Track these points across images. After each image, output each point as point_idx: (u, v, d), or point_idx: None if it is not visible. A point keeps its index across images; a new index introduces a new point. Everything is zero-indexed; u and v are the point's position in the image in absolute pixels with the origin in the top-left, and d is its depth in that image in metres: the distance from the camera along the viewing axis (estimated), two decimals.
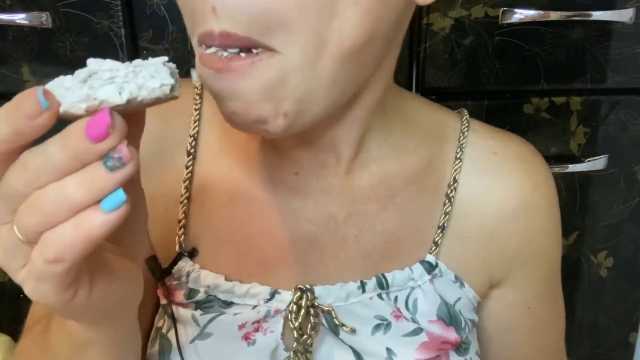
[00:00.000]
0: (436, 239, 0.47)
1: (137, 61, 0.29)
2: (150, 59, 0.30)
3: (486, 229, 0.48)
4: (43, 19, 0.60)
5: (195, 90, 0.49)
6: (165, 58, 0.30)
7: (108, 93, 0.28)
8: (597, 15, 0.62)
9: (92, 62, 0.29)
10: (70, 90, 0.28)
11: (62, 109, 0.28)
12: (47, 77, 0.63)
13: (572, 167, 0.68)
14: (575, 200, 0.72)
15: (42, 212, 0.27)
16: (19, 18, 0.60)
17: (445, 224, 0.47)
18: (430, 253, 0.47)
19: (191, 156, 0.47)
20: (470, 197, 0.48)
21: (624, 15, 0.63)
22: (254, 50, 0.33)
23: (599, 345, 0.80)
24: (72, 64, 0.63)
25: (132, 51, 0.63)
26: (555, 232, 0.51)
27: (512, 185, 0.48)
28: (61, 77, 0.29)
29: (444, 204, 0.47)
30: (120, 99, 0.28)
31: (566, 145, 0.69)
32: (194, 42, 0.36)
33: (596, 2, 0.63)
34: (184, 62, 0.64)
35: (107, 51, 0.62)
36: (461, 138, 0.49)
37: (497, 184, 0.48)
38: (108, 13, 0.61)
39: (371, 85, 0.42)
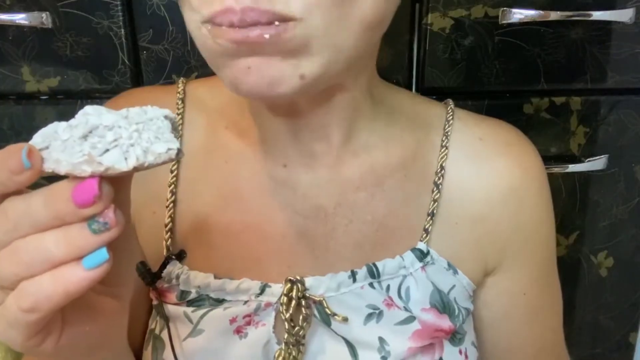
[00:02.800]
0: (426, 227, 0.47)
1: (135, 112, 0.28)
2: (149, 108, 0.29)
3: (477, 215, 0.48)
4: (43, 19, 0.60)
5: (178, 95, 0.49)
6: (167, 111, 0.29)
7: (114, 159, 0.27)
8: (597, 15, 0.62)
9: (91, 113, 0.28)
10: (68, 146, 0.27)
11: (64, 169, 0.27)
12: (47, 77, 0.63)
13: (572, 167, 0.68)
14: (575, 200, 0.72)
15: (21, 263, 0.27)
16: (19, 18, 0.60)
17: (435, 211, 0.47)
18: (421, 240, 0.47)
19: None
20: (460, 184, 0.48)
21: (624, 15, 0.63)
22: (276, 23, 0.33)
23: (599, 345, 0.80)
24: (72, 64, 0.63)
25: (132, 51, 0.63)
26: (547, 215, 0.51)
27: (501, 170, 0.48)
28: (55, 124, 0.28)
29: (432, 191, 0.47)
30: (126, 166, 0.27)
31: (566, 145, 0.69)
32: (198, 20, 0.35)
33: (596, 2, 0.63)
34: (183, 62, 0.64)
35: (107, 51, 0.62)
36: (446, 126, 0.49)
37: (486, 169, 0.48)
38: (108, 13, 0.61)
39: (363, 69, 0.43)
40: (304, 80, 0.35)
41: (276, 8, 0.32)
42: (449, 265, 0.47)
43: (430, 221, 0.47)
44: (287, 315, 0.43)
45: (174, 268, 0.46)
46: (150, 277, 0.46)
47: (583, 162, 0.69)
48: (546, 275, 0.53)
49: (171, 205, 0.47)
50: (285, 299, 0.44)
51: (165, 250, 0.47)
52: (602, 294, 0.77)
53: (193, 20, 0.35)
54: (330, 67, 0.36)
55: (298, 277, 0.44)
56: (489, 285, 0.51)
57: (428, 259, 0.46)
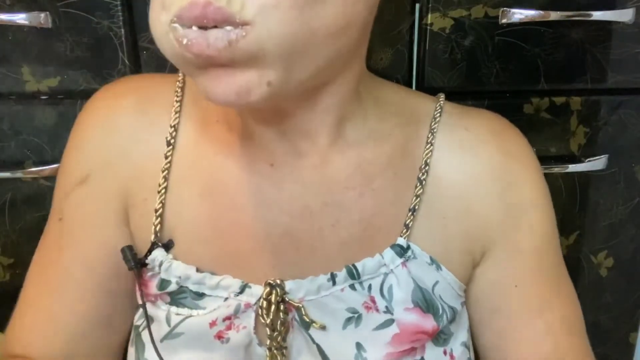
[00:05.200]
0: (407, 222, 0.46)
1: None
2: None
3: (464, 205, 0.47)
4: (43, 19, 0.60)
5: (178, 83, 0.50)
6: None
7: None
8: (597, 15, 0.62)
9: None
10: None
11: None
12: (47, 77, 0.63)
13: (572, 167, 0.68)
14: (575, 200, 0.72)
15: None
16: (19, 18, 0.60)
17: (417, 207, 0.46)
18: (401, 236, 0.46)
19: (171, 146, 0.47)
20: (446, 177, 0.47)
21: (624, 15, 0.63)
22: (227, 28, 0.33)
23: (599, 345, 0.80)
24: (72, 64, 0.63)
25: (132, 51, 0.63)
26: (538, 201, 0.49)
27: (484, 157, 0.48)
28: None
29: (415, 187, 0.47)
30: None
31: (566, 145, 0.69)
32: (166, 21, 0.35)
33: (596, 2, 0.63)
34: None
35: (107, 51, 0.62)
36: (433, 123, 0.49)
37: (470, 158, 0.48)
38: (108, 13, 0.61)
39: (346, 71, 0.43)
40: (272, 88, 0.35)
41: (232, 8, 0.32)
42: (432, 260, 0.47)
43: (412, 216, 0.46)
44: (268, 321, 0.44)
45: (158, 255, 0.46)
46: (134, 262, 0.46)
47: (583, 162, 0.69)
48: (545, 267, 0.50)
49: (163, 190, 0.47)
50: (265, 303, 0.44)
51: (153, 236, 0.47)
52: (602, 294, 0.77)
53: (161, 22, 0.35)
54: (296, 74, 0.36)
55: (278, 281, 0.44)
56: (478, 277, 0.49)
57: (409, 254, 0.46)
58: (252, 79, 0.34)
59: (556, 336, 0.49)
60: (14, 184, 0.67)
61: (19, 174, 0.65)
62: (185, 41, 0.33)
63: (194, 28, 0.33)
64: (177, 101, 0.48)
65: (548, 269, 0.51)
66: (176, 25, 0.33)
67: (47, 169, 0.64)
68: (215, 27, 0.33)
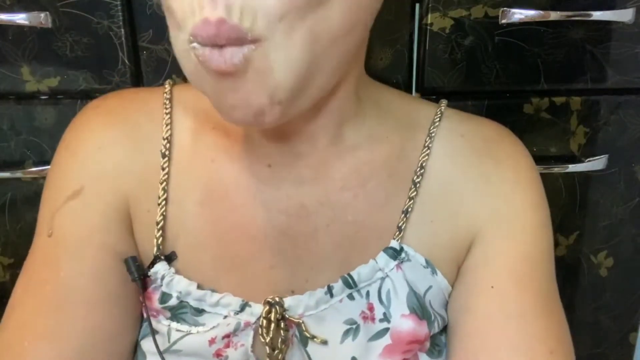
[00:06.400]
0: (400, 224, 0.46)
1: None
2: None
3: (451, 210, 0.47)
4: (43, 19, 0.60)
5: (165, 95, 0.50)
6: None
7: None
8: (597, 15, 0.62)
9: None
10: None
11: None
12: (47, 77, 0.63)
13: (572, 167, 0.68)
14: (575, 200, 0.72)
15: None
16: (19, 18, 0.60)
17: (410, 209, 0.46)
18: (394, 239, 0.46)
19: (166, 158, 0.47)
20: (437, 181, 0.47)
21: (624, 15, 0.63)
22: (240, 46, 0.34)
23: (599, 345, 0.80)
24: (72, 64, 0.63)
25: (132, 51, 0.63)
26: (528, 208, 0.47)
27: (475, 164, 0.47)
28: None
29: (410, 189, 0.47)
30: None
31: (566, 145, 0.69)
32: (185, 40, 0.35)
33: (596, 2, 0.63)
34: None
35: (107, 51, 0.62)
36: (432, 127, 0.49)
37: (461, 163, 0.48)
38: (108, 13, 0.61)
39: (348, 74, 0.43)
40: (283, 106, 0.36)
41: (244, 24, 0.33)
42: (427, 262, 0.47)
43: (404, 218, 0.46)
44: (268, 339, 0.44)
45: (160, 268, 0.46)
46: (138, 273, 0.46)
47: (583, 162, 0.69)
48: (528, 279, 0.45)
49: (163, 202, 0.47)
50: (265, 322, 0.44)
51: (155, 248, 0.47)
52: (602, 294, 0.77)
53: (181, 41, 0.36)
54: (305, 83, 0.36)
55: (277, 299, 0.45)
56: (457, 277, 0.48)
57: (402, 255, 0.46)
58: (265, 103, 0.35)
59: (534, 351, 0.43)
60: (14, 184, 0.67)
61: (19, 174, 0.65)
62: (203, 58, 0.34)
63: (210, 47, 0.34)
64: (166, 113, 0.49)
65: (534, 281, 0.46)
66: (195, 44, 0.34)
67: (47, 169, 0.64)
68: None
